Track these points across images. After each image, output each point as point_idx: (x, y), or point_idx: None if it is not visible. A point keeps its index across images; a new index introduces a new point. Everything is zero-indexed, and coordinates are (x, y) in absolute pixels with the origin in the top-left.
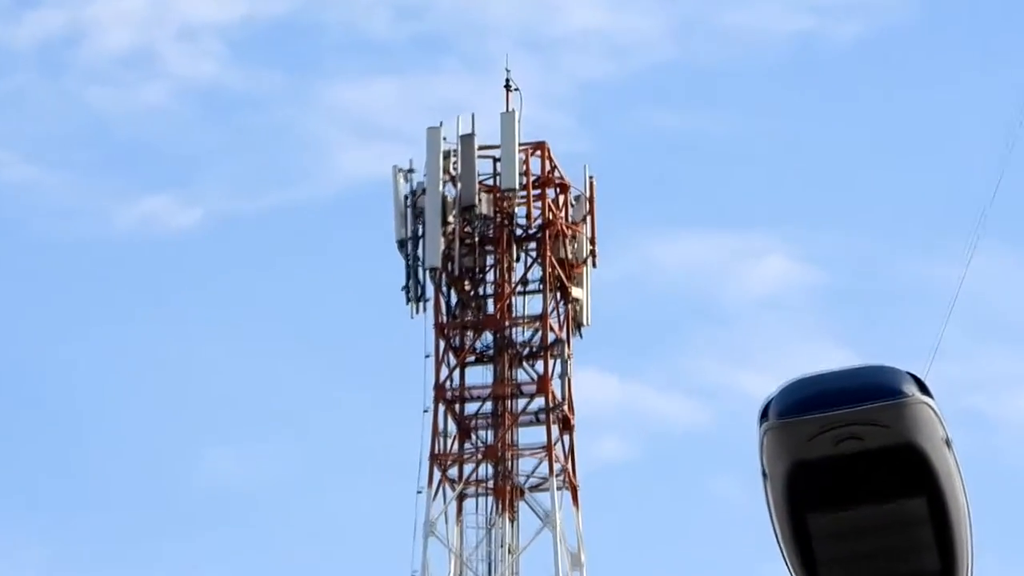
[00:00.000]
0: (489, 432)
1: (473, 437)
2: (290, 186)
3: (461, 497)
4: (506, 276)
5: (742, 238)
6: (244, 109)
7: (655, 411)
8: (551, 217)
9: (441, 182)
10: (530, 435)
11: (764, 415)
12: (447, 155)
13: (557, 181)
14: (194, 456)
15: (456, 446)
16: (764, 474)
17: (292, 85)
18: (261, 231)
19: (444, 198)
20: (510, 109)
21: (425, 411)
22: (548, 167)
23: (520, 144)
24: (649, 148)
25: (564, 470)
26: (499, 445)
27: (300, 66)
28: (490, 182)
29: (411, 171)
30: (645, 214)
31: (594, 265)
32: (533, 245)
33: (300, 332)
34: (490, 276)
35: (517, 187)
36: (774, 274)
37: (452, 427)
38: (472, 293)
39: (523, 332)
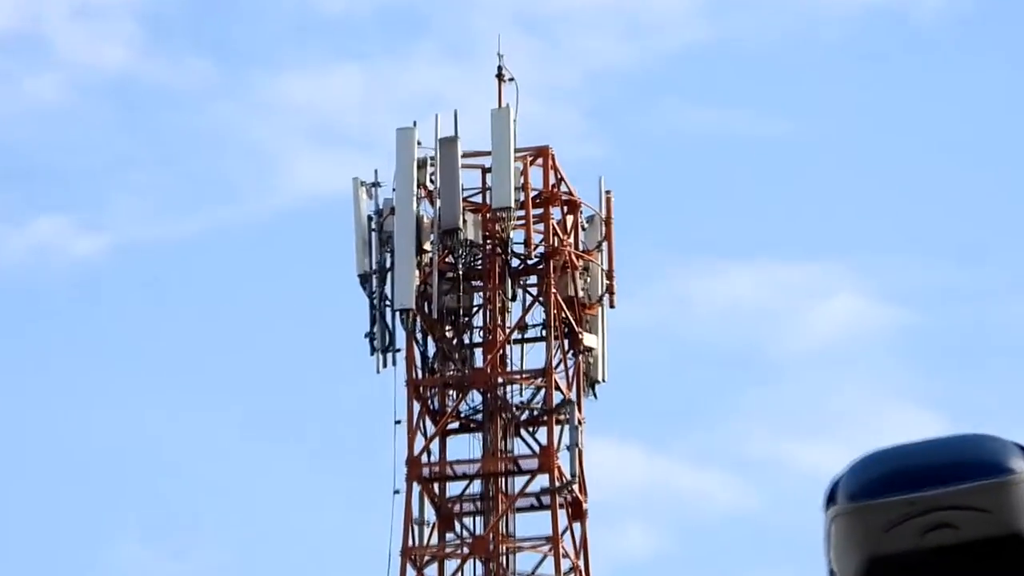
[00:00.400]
0: (477, 520)
1: (457, 526)
2: (221, 205)
3: None
4: (499, 320)
5: (801, 270)
6: (162, 108)
7: (690, 492)
8: (556, 244)
9: (415, 199)
10: (530, 524)
11: (831, 498)
12: (423, 164)
13: (564, 197)
14: (99, 556)
15: (435, 538)
16: (831, 572)
17: (225, 77)
18: (184, 262)
19: (419, 220)
20: (503, 105)
21: (396, 493)
22: (552, 179)
23: (517, 150)
24: (680, 155)
25: (575, 568)
26: (490, 537)
27: (235, 52)
28: (478, 199)
29: (376, 185)
30: (677, 240)
31: (611, 305)
32: (533, 280)
33: (234, 392)
34: (478, 320)
35: (513, 205)
36: (842, 316)
37: (430, 513)
38: (455, 341)
39: (521, 391)
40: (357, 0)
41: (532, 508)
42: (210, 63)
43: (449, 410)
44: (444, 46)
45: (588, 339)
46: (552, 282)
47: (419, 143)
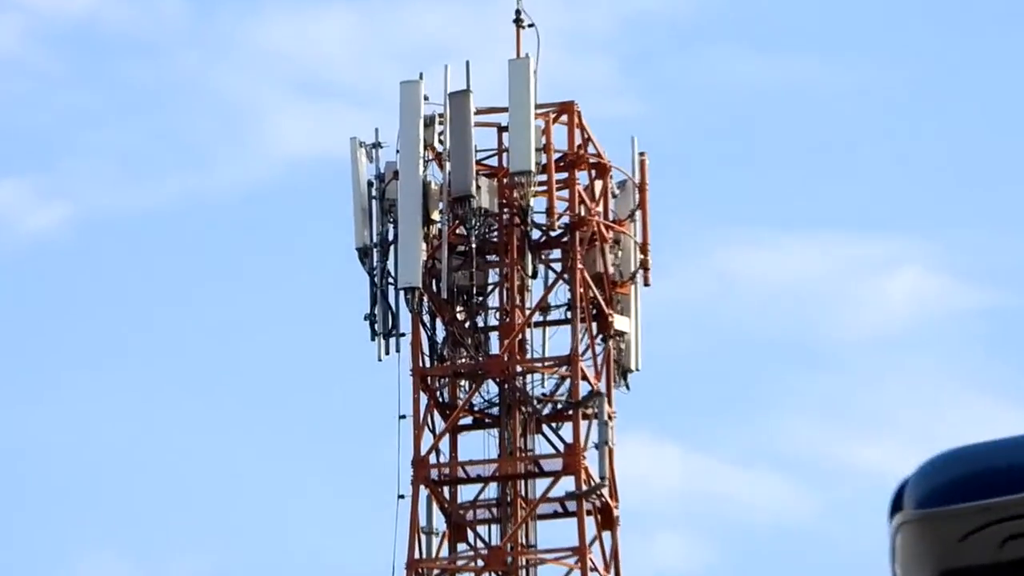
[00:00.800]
0: (493, 528)
1: (470, 536)
2: (197, 169)
3: None
4: (517, 300)
5: (863, 242)
6: (129, 58)
7: (734, 496)
8: (583, 213)
9: (422, 162)
10: (554, 533)
11: (897, 504)
12: (430, 122)
13: (592, 160)
14: (70, 567)
15: (445, 549)
16: None
17: (197, 21)
18: (155, 234)
19: (426, 185)
20: (523, 55)
21: (400, 498)
22: (579, 139)
23: (538, 106)
24: (727, 111)
25: None
26: (507, 548)
27: None
28: (493, 162)
29: (378, 146)
30: (721, 208)
31: (646, 283)
32: (557, 254)
33: (215, 386)
34: (494, 300)
35: (533, 169)
36: (909, 295)
37: (440, 521)
38: (468, 325)
39: (543, 381)
40: None
41: (556, 515)
42: (180, 5)
43: (461, 403)
44: None
45: (619, 322)
46: (578, 257)
47: (426, 98)
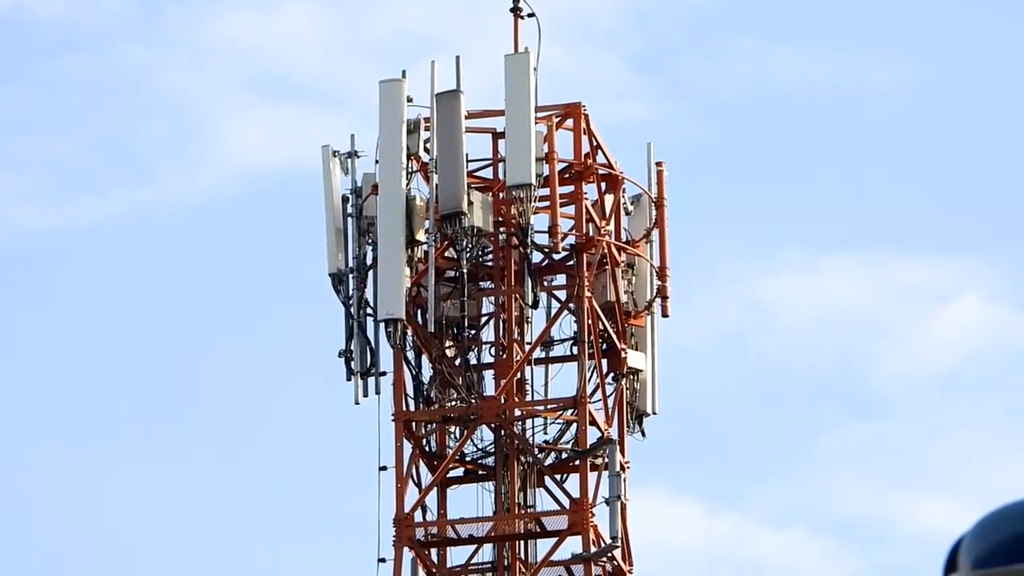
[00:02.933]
0: None
1: None
2: (143, 182)
3: None
4: (516, 333)
5: (916, 268)
6: (62, 55)
7: (767, 562)
8: (591, 232)
9: (405, 173)
10: None
11: (952, 564)
12: (414, 128)
13: (601, 172)
14: None
15: None
16: None
17: (146, 15)
18: (93, 258)
19: (410, 201)
20: (522, 49)
21: (381, 561)
22: (586, 147)
23: (538, 108)
24: (757, 114)
25: None
26: None
27: None
28: (487, 173)
29: (353, 155)
30: (751, 228)
31: (664, 314)
32: (561, 280)
33: (163, 433)
34: (488, 333)
35: (534, 182)
36: (968, 328)
37: None
38: (458, 362)
39: (545, 427)
40: None
41: None
42: None
43: (451, 453)
44: None
45: (633, 358)
46: (586, 283)
47: (409, 99)
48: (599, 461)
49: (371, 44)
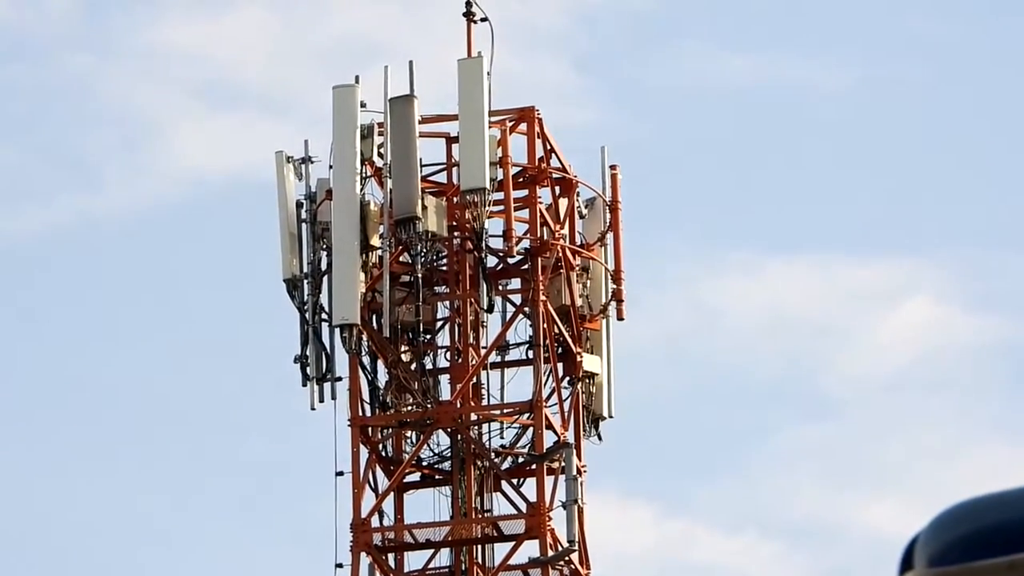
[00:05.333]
0: None
1: None
2: (88, 188)
3: None
4: (471, 338)
5: (863, 267)
6: (6, 62)
7: (719, 565)
8: (546, 236)
9: (359, 179)
10: None
11: (907, 563)
12: (368, 133)
13: (555, 175)
14: None
15: None
16: None
17: (89, 21)
18: (38, 265)
19: (364, 206)
20: (475, 53)
21: (339, 567)
22: (540, 151)
23: (492, 113)
24: (707, 117)
25: None
26: None
27: None
28: (441, 178)
29: (307, 160)
30: (703, 230)
31: (619, 317)
32: (516, 284)
33: (120, 440)
34: (444, 338)
35: (488, 186)
36: (918, 330)
37: None
38: (414, 367)
39: (502, 432)
40: None
41: None
42: (66, 1)
43: (407, 457)
44: None
45: (589, 362)
46: (541, 287)
47: (363, 104)
48: (556, 465)
49: (319, 50)
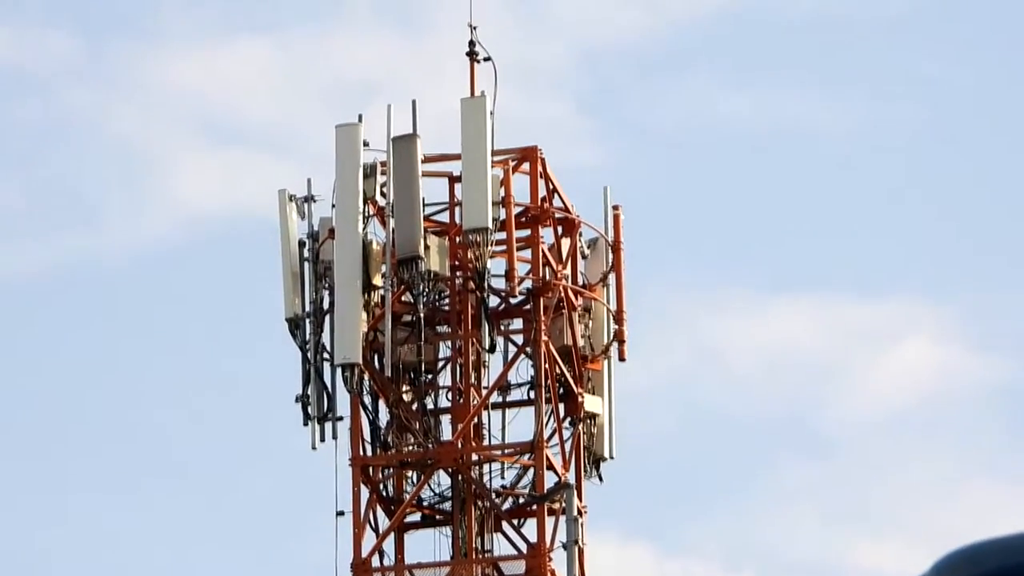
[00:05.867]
0: None
1: None
2: (89, 226)
3: None
4: (473, 378)
5: (865, 309)
6: (8, 98)
7: None
8: (548, 277)
9: (362, 217)
10: None
11: None
12: (371, 172)
13: (558, 215)
14: None
15: None
16: None
17: (92, 57)
18: (37, 304)
19: (367, 246)
20: (478, 93)
21: None
22: (543, 191)
23: (495, 152)
24: (709, 156)
25: None
26: None
27: (98, 24)
28: (444, 217)
29: (310, 199)
30: (698, 270)
31: (621, 358)
32: (518, 325)
33: (118, 478)
34: (445, 378)
35: (491, 226)
36: (916, 369)
37: None
38: (416, 407)
39: (502, 472)
40: None
41: None
42: (69, 37)
43: (408, 497)
44: (385, 11)
45: (590, 403)
46: (543, 327)
47: (366, 144)
48: (556, 506)
49: (322, 88)
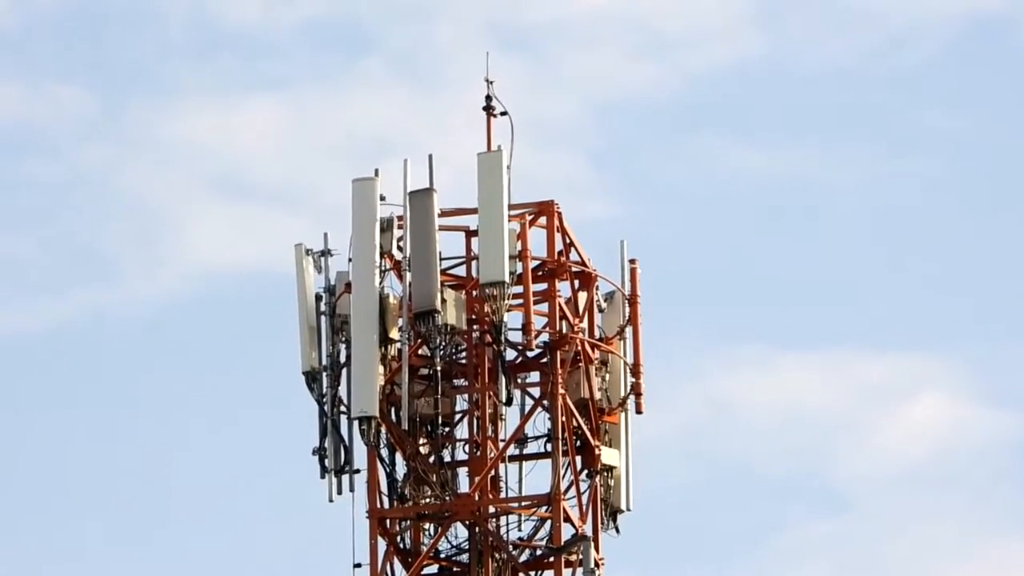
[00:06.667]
0: None
1: None
2: (104, 282)
3: None
4: (490, 430)
5: (879, 364)
6: (24, 156)
7: None
8: (565, 330)
9: (378, 271)
10: None
11: None
12: (387, 226)
13: (575, 269)
14: None
15: None
16: None
17: (106, 115)
18: (53, 360)
19: (383, 299)
20: (495, 147)
21: None
22: (559, 245)
23: (512, 206)
24: (723, 211)
25: None
26: None
27: (112, 80)
28: (461, 271)
29: (326, 253)
30: (710, 324)
31: (638, 411)
32: (535, 378)
33: (130, 533)
34: (462, 431)
35: (507, 279)
36: (930, 425)
37: None
38: (432, 460)
39: (520, 524)
40: (273, 8)
41: None
42: (84, 95)
43: (425, 550)
44: (399, 68)
45: (607, 455)
46: (560, 381)
47: (382, 198)
48: (574, 558)
49: (337, 143)
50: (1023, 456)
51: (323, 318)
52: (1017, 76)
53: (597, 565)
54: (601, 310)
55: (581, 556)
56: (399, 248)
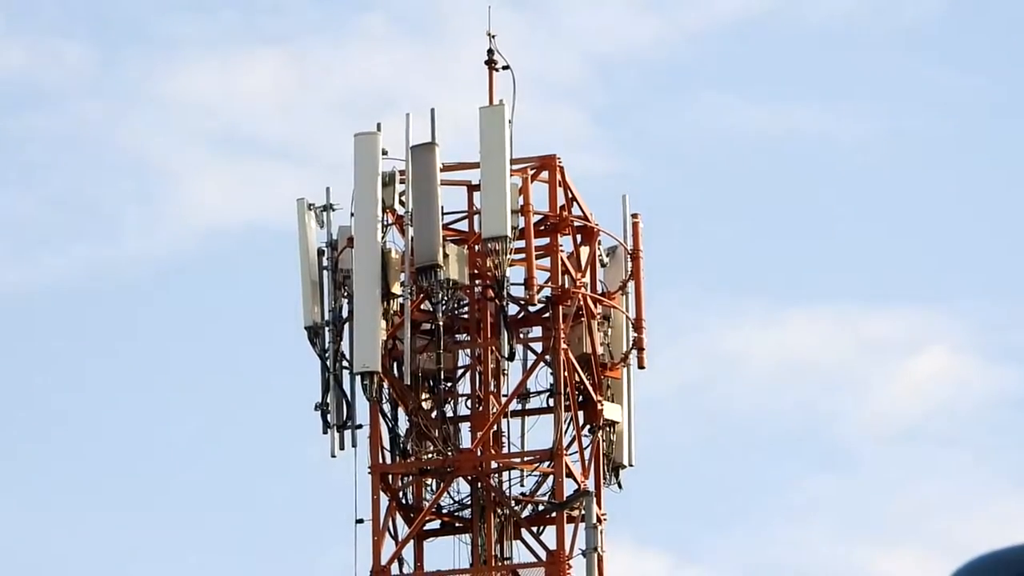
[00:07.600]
0: None
1: None
2: (104, 239)
3: None
4: (492, 386)
5: (882, 319)
6: (22, 111)
7: None
8: (567, 285)
9: (380, 226)
10: None
11: None
12: (389, 180)
13: (577, 224)
14: None
15: None
16: None
17: (106, 70)
18: (54, 316)
19: (386, 254)
20: (497, 101)
21: None
22: (561, 199)
23: (513, 161)
24: (726, 166)
25: None
26: None
27: (113, 34)
28: (463, 226)
29: (329, 208)
30: (714, 280)
31: (640, 366)
32: (537, 332)
33: (134, 487)
34: (465, 386)
35: (510, 234)
36: (934, 380)
37: None
38: (435, 415)
39: (522, 479)
40: None
41: None
42: (83, 50)
43: (427, 505)
44: (400, 22)
45: (609, 410)
46: (562, 335)
47: (384, 152)
48: (576, 513)
49: (339, 98)
50: None
51: (325, 273)
52: (1020, 33)
53: (599, 520)
54: (603, 265)
55: (583, 511)
56: (401, 203)
